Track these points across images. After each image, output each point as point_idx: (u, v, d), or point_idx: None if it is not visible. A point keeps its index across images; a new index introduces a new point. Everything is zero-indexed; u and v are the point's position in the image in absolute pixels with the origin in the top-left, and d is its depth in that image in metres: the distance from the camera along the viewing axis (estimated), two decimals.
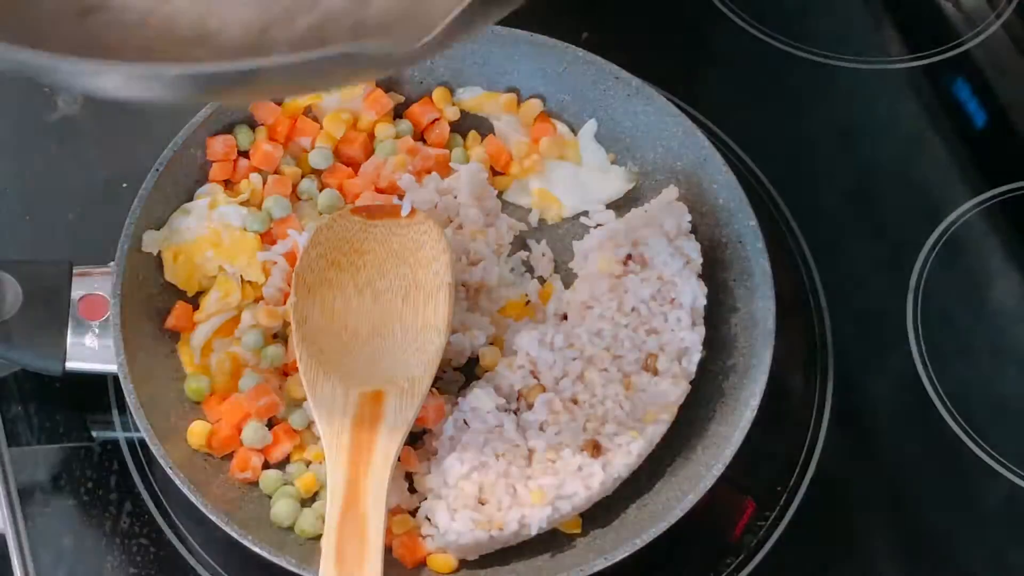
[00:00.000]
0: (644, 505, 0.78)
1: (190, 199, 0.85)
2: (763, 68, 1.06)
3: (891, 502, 0.86)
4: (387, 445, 0.72)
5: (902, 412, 0.88)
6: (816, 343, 0.90)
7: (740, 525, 0.83)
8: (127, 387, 0.76)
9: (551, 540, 0.77)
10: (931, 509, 0.85)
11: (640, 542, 0.73)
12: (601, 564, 0.72)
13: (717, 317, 0.83)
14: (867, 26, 1.10)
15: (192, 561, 0.79)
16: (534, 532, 0.74)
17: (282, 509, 0.76)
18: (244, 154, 0.88)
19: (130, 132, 0.87)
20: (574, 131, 0.92)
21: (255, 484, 0.78)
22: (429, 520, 0.76)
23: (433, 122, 0.91)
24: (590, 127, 0.91)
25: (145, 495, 0.81)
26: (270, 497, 0.78)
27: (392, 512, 0.75)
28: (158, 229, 0.83)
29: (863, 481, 0.86)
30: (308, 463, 0.78)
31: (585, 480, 0.75)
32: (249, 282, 0.83)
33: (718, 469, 0.75)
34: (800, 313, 0.91)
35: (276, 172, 0.87)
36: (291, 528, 0.76)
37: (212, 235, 0.83)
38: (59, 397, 0.83)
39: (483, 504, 0.74)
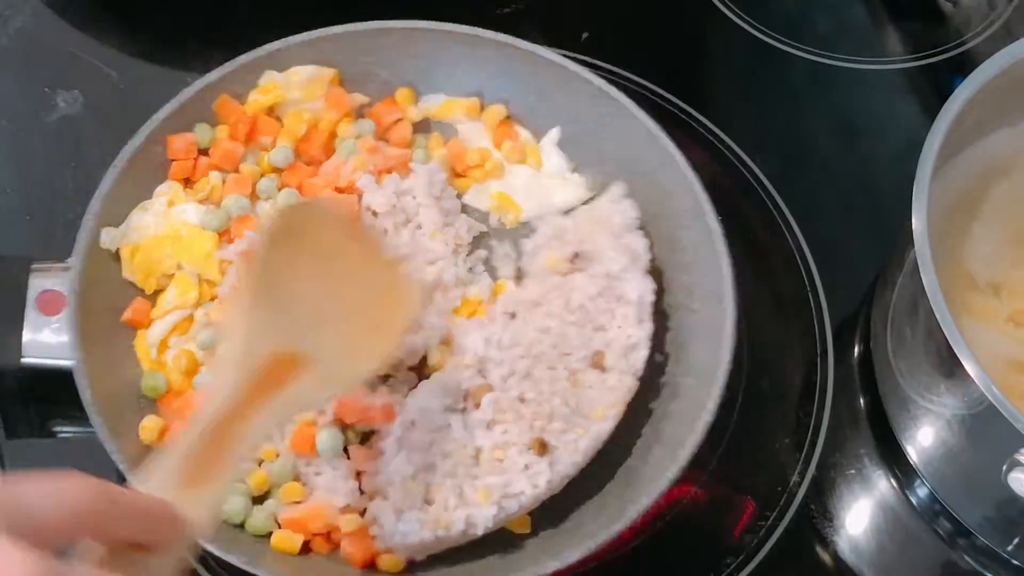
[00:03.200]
0: (600, 507, 0.77)
1: (151, 196, 0.85)
2: (763, 68, 1.06)
3: None
4: (282, 409, 0.64)
5: None
6: (816, 343, 0.90)
7: (740, 525, 0.83)
8: (80, 383, 0.75)
9: (501, 540, 0.76)
10: None
11: (593, 544, 0.72)
12: (553, 566, 0.72)
13: (678, 320, 0.83)
14: (867, 26, 1.10)
15: (192, 561, 0.79)
16: (480, 532, 0.74)
17: (233, 506, 0.75)
18: (204, 152, 0.87)
19: (130, 132, 0.87)
20: (538, 136, 0.91)
21: None
22: (375, 521, 0.75)
23: (396, 122, 0.90)
24: (553, 135, 0.90)
25: None
26: None
27: (341, 511, 0.75)
28: (117, 226, 0.83)
29: None
30: (260, 461, 0.78)
31: (532, 479, 0.74)
32: (206, 280, 0.83)
33: (673, 472, 0.74)
34: (800, 313, 0.91)
35: (236, 171, 0.87)
36: (241, 525, 0.76)
37: (170, 233, 0.83)
38: (54, 391, 0.83)
39: (430, 504, 0.74)
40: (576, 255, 0.82)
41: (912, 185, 0.75)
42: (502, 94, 0.91)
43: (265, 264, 0.68)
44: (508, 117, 0.91)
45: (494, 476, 0.74)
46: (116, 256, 0.83)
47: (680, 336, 0.82)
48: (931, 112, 0.78)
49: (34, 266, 0.81)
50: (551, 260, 0.82)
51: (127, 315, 0.82)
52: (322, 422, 0.77)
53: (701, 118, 0.99)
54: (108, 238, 0.82)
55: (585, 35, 0.95)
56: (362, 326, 0.71)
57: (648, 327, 0.80)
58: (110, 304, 0.81)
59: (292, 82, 0.88)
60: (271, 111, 0.89)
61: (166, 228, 0.83)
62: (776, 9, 1.09)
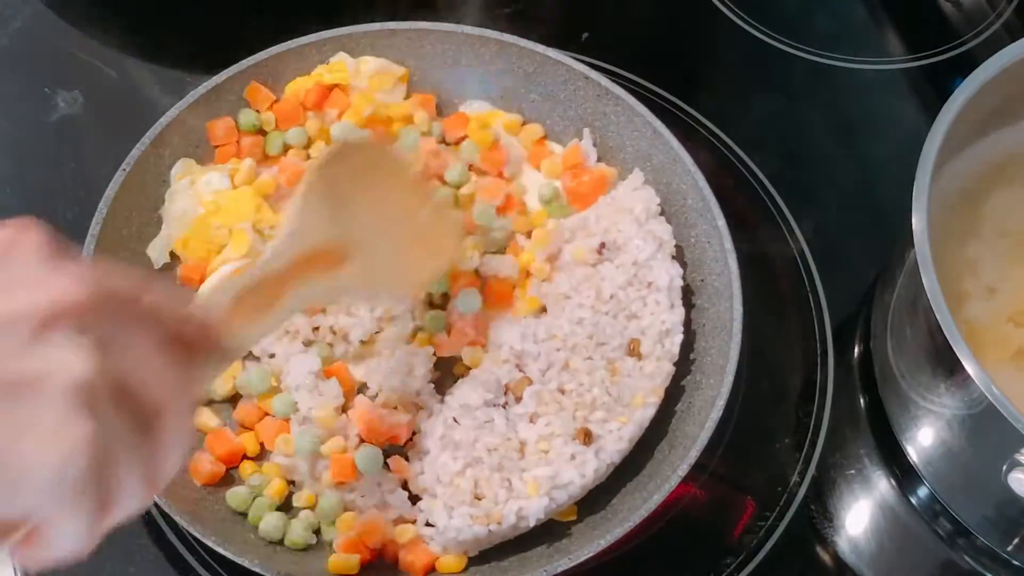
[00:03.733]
0: (636, 487, 0.78)
1: (159, 200, 0.85)
2: (763, 68, 1.06)
3: None
4: (319, 292, 0.69)
5: None
6: (816, 343, 0.90)
7: (740, 525, 0.83)
8: None
9: (547, 530, 0.77)
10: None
11: (634, 521, 0.73)
12: (599, 545, 0.73)
13: (686, 317, 0.83)
14: (867, 26, 1.10)
15: (192, 561, 0.79)
16: (532, 523, 0.75)
17: (270, 523, 0.76)
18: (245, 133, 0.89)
19: (130, 132, 0.87)
20: (562, 143, 0.92)
21: (213, 485, 0.78)
22: (427, 522, 0.76)
23: (459, 141, 0.91)
24: (586, 139, 0.90)
25: None
26: (243, 514, 0.77)
27: (395, 522, 0.76)
28: (125, 228, 0.83)
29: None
30: (289, 481, 0.78)
31: (579, 468, 0.75)
32: (261, 230, 0.83)
33: (683, 470, 0.75)
34: (800, 313, 0.91)
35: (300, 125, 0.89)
36: (280, 541, 0.76)
37: (209, 208, 0.84)
38: None
39: (479, 499, 0.75)
40: (603, 245, 0.83)
41: (912, 185, 0.75)
42: (506, 88, 0.92)
43: (326, 173, 0.73)
44: (544, 137, 0.92)
45: (541, 468, 0.75)
46: (127, 253, 0.83)
47: (688, 333, 0.83)
48: (931, 112, 0.78)
49: None
50: (578, 252, 0.83)
51: (181, 272, 0.83)
52: (353, 445, 0.78)
53: (701, 118, 0.99)
54: (156, 252, 0.84)
55: (585, 35, 0.95)
56: (405, 245, 0.75)
57: (680, 312, 0.81)
58: None
59: (360, 70, 0.89)
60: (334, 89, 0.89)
61: (202, 205, 0.84)
62: (776, 9, 1.09)
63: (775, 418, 0.87)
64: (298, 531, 0.76)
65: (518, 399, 0.78)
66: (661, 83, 0.99)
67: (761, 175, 0.97)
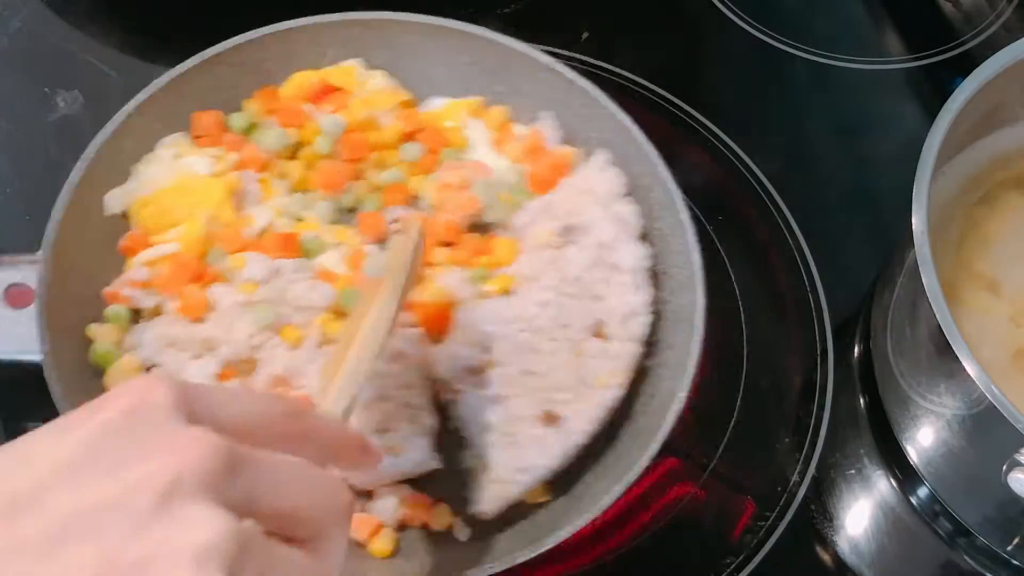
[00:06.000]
0: (605, 469, 0.78)
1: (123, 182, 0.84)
2: (763, 68, 1.06)
3: None
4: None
5: None
6: (816, 343, 0.90)
7: (740, 525, 0.83)
8: (50, 376, 0.75)
9: (520, 513, 0.77)
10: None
11: (603, 506, 0.73)
12: (568, 531, 0.72)
13: (653, 303, 0.82)
14: (867, 26, 1.10)
15: None
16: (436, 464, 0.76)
17: None
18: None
19: None
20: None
21: None
22: None
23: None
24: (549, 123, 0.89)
25: None
26: None
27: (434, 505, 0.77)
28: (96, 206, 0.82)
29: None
30: None
31: (545, 450, 0.75)
32: (222, 225, 0.82)
33: (645, 461, 0.74)
34: (800, 313, 0.91)
35: (300, 126, 0.88)
36: None
37: (179, 184, 0.83)
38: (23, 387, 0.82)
39: (386, 432, 0.75)
40: (567, 227, 0.83)
41: (912, 185, 0.75)
42: (472, 82, 0.91)
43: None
44: (510, 121, 0.90)
45: (508, 450, 0.75)
46: (87, 249, 0.82)
47: (652, 326, 0.82)
48: (931, 112, 0.78)
49: (2, 257, 0.81)
50: (542, 234, 0.83)
51: (123, 242, 0.82)
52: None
53: (701, 118, 0.99)
54: (113, 200, 0.83)
55: (585, 35, 0.95)
56: None
57: (645, 293, 0.80)
58: (80, 296, 0.81)
59: (368, 84, 0.90)
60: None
61: (174, 179, 0.83)
62: (776, 9, 1.09)
63: (775, 418, 0.87)
64: None
65: (482, 382, 0.78)
66: (661, 83, 0.99)
67: (761, 175, 0.97)
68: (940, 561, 0.84)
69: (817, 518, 0.84)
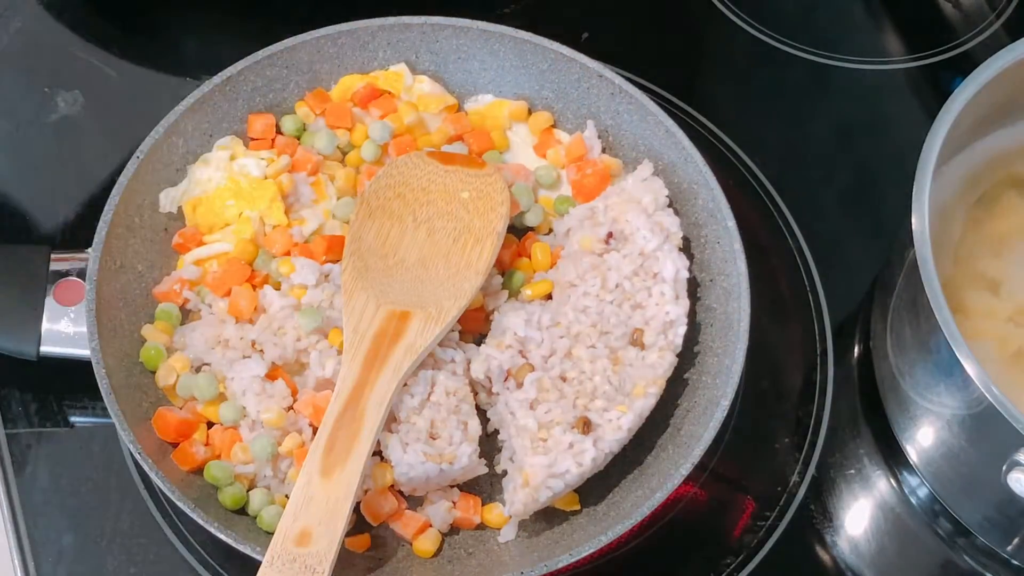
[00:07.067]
0: (638, 480, 0.78)
1: (172, 185, 0.85)
2: (763, 68, 1.06)
3: None
4: (400, 359, 0.76)
5: None
6: (816, 343, 0.90)
7: (740, 525, 0.83)
8: (99, 372, 0.75)
9: (549, 520, 0.78)
10: None
11: (640, 516, 0.74)
12: (602, 540, 0.73)
13: (693, 316, 0.83)
14: (867, 26, 1.10)
15: (192, 561, 0.79)
16: (484, 469, 0.78)
17: (269, 514, 0.76)
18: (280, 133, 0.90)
19: (130, 132, 0.87)
20: (570, 133, 0.92)
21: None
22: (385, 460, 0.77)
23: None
24: (590, 130, 0.91)
25: (145, 494, 0.81)
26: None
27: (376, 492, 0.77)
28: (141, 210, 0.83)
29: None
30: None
31: (577, 457, 0.75)
32: (272, 226, 0.84)
33: (687, 468, 0.75)
34: (800, 313, 0.91)
35: (349, 129, 0.90)
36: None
37: (232, 185, 0.85)
38: (72, 381, 0.83)
39: (434, 439, 0.76)
40: (610, 235, 0.83)
41: (912, 185, 0.75)
42: (518, 88, 0.92)
43: (359, 239, 0.82)
44: (554, 125, 0.92)
45: (539, 456, 0.75)
46: (135, 246, 0.82)
47: (696, 332, 0.83)
48: (931, 112, 0.78)
49: (53, 255, 0.81)
50: (585, 240, 0.83)
51: (177, 240, 0.83)
52: (309, 437, 0.77)
53: (701, 118, 0.99)
54: (167, 199, 0.84)
55: (585, 35, 0.95)
56: (452, 266, 0.82)
57: (685, 303, 0.81)
58: (129, 294, 0.81)
59: (414, 87, 0.91)
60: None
61: (227, 180, 0.85)
62: (776, 9, 1.09)
63: (775, 418, 0.87)
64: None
65: (519, 385, 0.78)
66: (661, 83, 0.99)
67: (761, 175, 0.97)
68: (940, 561, 0.84)
69: (817, 518, 0.84)
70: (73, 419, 0.84)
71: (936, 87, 1.05)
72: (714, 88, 1.05)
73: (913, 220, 0.74)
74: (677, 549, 0.82)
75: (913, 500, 0.85)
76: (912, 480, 0.85)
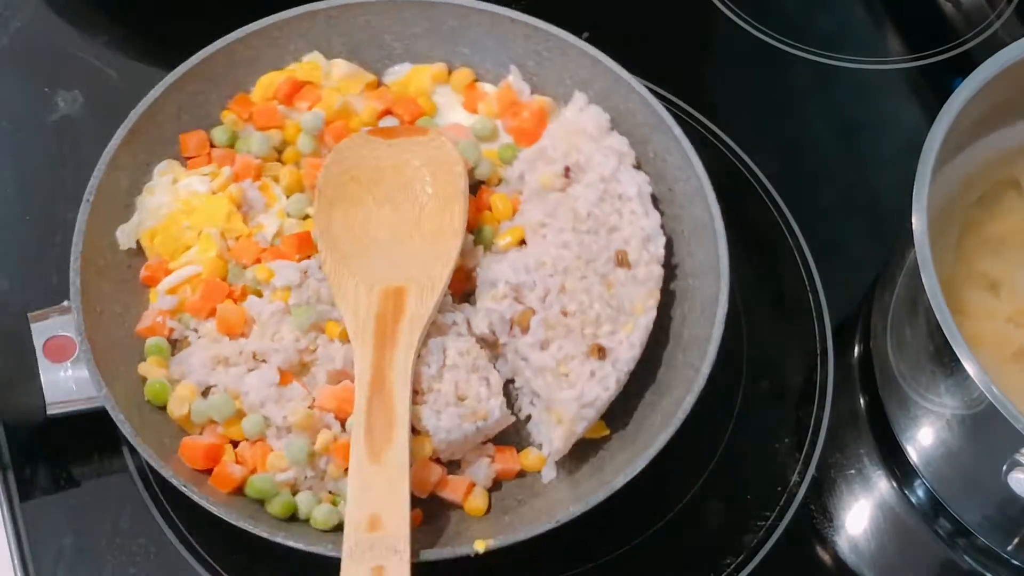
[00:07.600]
0: (652, 405, 0.80)
1: (126, 218, 0.85)
2: (763, 68, 1.06)
3: None
4: (410, 333, 0.77)
5: None
6: (816, 343, 0.90)
7: (740, 525, 0.83)
8: (118, 418, 0.74)
9: (583, 452, 0.79)
10: None
11: (653, 451, 0.75)
12: (639, 465, 0.74)
13: (664, 229, 0.84)
14: (867, 26, 1.10)
15: (192, 561, 0.79)
16: (498, 417, 0.78)
17: (323, 512, 0.76)
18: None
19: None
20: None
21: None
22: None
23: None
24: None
25: (145, 495, 0.81)
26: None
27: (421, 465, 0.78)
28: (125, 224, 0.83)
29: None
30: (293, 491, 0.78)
31: (601, 382, 0.77)
32: (233, 238, 0.84)
33: (707, 367, 0.76)
34: (800, 313, 0.91)
35: (279, 127, 0.89)
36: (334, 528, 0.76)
37: (183, 206, 0.84)
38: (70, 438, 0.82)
39: (463, 400, 0.77)
40: (567, 169, 0.84)
41: (912, 185, 0.75)
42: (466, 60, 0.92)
43: (328, 230, 0.82)
44: (476, 80, 0.92)
45: (566, 391, 0.77)
46: (113, 283, 0.82)
47: (672, 244, 0.84)
48: (931, 112, 0.78)
49: (31, 314, 0.80)
50: (545, 179, 0.84)
51: (144, 273, 0.83)
52: (339, 430, 0.78)
53: (701, 118, 0.99)
54: (124, 236, 0.83)
55: (585, 35, 0.95)
56: (428, 234, 0.82)
57: (656, 216, 0.83)
58: (117, 336, 0.81)
59: (332, 73, 0.91)
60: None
61: (179, 203, 0.84)
62: (776, 9, 1.09)
63: (775, 418, 0.87)
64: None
65: (525, 330, 0.79)
66: (661, 83, 0.99)
67: (761, 175, 0.97)
68: (940, 561, 0.84)
69: (817, 518, 0.84)
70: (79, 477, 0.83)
71: (936, 87, 1.05)
72: (714, 87, 1.05)
73: (913, 220, 0.74)
74: (677, 549, 0.82)
75: (913, 500, 0.85)
76: (912, 480, 0.85)
